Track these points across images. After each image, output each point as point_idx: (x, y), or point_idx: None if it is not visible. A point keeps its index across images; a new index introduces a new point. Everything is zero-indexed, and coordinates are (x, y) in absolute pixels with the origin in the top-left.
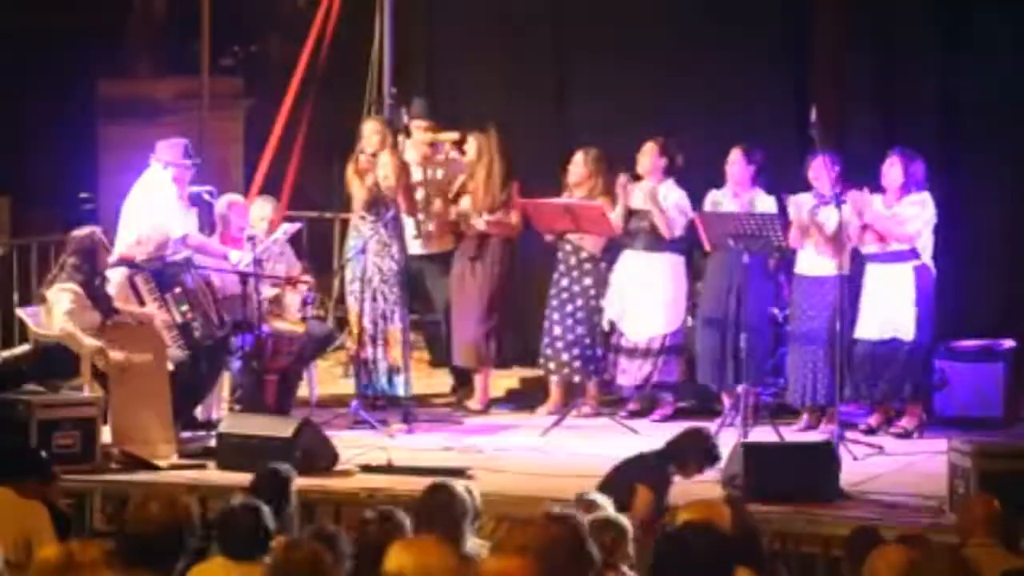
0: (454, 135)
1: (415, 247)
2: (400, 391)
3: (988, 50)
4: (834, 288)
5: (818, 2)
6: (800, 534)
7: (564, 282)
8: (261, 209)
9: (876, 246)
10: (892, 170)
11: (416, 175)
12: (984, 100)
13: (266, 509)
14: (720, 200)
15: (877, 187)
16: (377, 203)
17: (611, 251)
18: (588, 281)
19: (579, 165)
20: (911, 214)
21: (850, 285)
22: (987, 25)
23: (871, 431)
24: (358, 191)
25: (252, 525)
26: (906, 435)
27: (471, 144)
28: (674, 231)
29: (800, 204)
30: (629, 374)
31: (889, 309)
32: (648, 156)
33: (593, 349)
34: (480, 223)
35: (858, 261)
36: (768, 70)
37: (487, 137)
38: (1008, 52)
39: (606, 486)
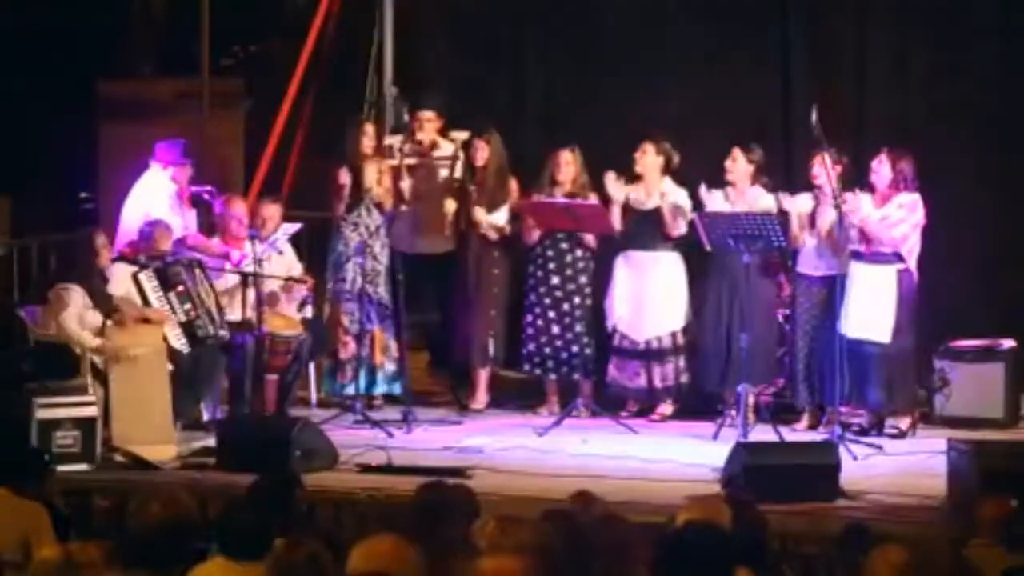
0: (464, 134)
1: (415, 246)
2: (382, 389)
3: (988, 50)
4: (834, 288)
5: (821, 2)
6: (800, 534)
7: (555, 280)
8: (266, 209)
9: (861, 245)
10: (881, 168)
11: (418, 174)
12: (984, 100)
13: (267, 509)
14: (720, 199)
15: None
16: (360, 205)
17: (604, 248)
18: (583, 279)
19: (570, 164)
20: (899, 217)
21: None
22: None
23: (863, 431)
24: (342, 194)
25: (253, 525)
26: (900, 435)
27: (478, 145)
28: (680, 229)
29: (799, 204)
30: (633, 376)
31: (868, 310)
32: (645, 155)
33: (591, 348)
34: (493, 224)
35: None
36: (769, 69)
37: (491, 138)
38: (1008, 53)
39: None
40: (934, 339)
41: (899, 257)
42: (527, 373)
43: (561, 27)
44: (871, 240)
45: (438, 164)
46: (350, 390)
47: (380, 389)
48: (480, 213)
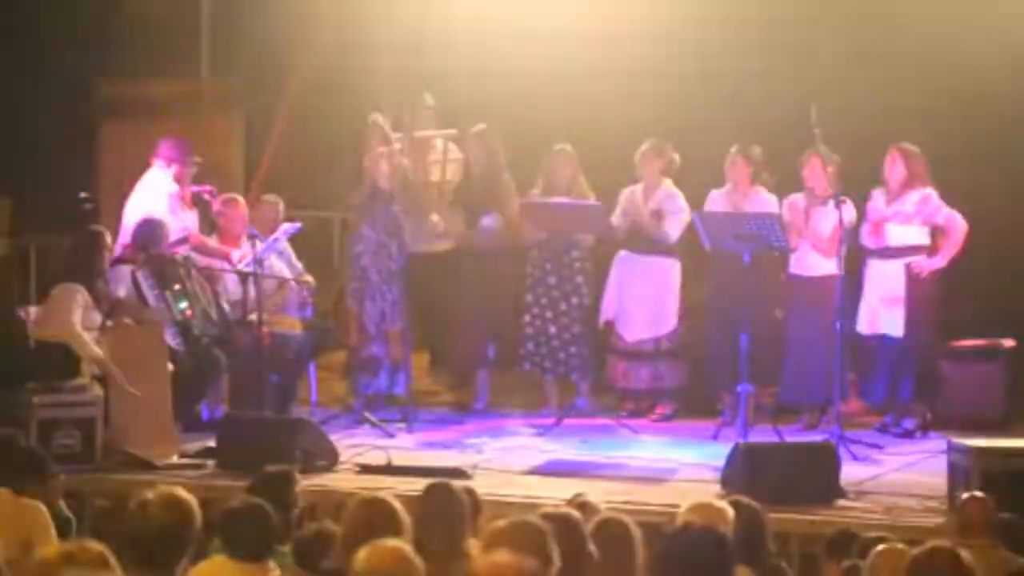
0: (453, 131)
1: (415, 245)
2: (400, 390)
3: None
4: (831, 287)
5: (821, 2)
6: (800, 534)
7: (552, 280)
8: (267, 209)
9: (873, 241)
10: (894, 167)
11: (433, 175)
12: (982, 97)
13: (270, 510)
14: (720, 200)
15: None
16: (375, 202)
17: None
18: (580, 279)
19: (565, 164)
20: (913, 211)
21: (849, 281)
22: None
23: (885, 428)
24: (356, 192)
25: (257, 525)
26: (908, 435)
27: (471, 144)
28: (671, 236)
29: (793, 205)
30: (626, 376)
31: (883, 305)
32: (644, 158)
33: (589, 347)
34: (486, 224)
35: (860, 256)
36: (769, 69)
37: (486, 136)
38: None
39: None
40: (935, 337)
41: (913, 251)
42: (526, 371)
43: (562, 26)
44: (882, 234)
45: (435, 163)
46: (371, 389)
47: (399, 388)
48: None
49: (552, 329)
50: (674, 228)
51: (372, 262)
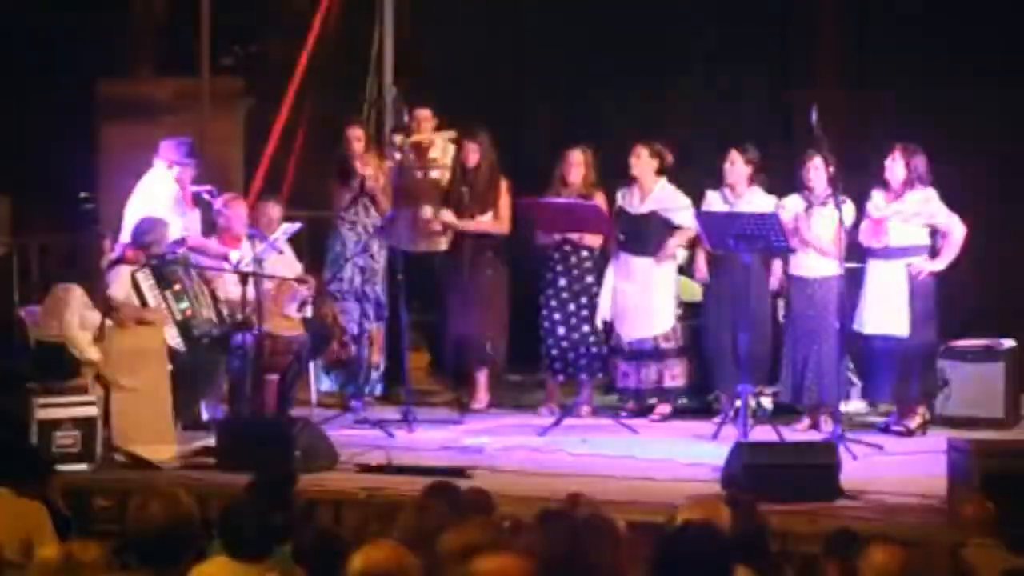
0: (451, 133)
1: (416, 245)
2: (379, 390)
3: (984, 51)
4: (831, 288)
5: (820, 2)
6: (800, 534)
7: (562, 282)
8: (267, 209)
9: (874, 241)
10: (895, 165)
11: (416, 173)
12: (984, 98)
13: (266, 508)
14: (718, 201)
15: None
16: (357, 205)
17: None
18: (589, 279)
19: (580, 165)
20: (914, 211)
21: (851, 282)
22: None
23: (886, 428)
24: (339, 193)
25: (257, 525)
26: (908, 434)
27: (468, 147)
28: (691, 229)
29: (788, 206)
30: (627, 376)
31: (886, 305)
32: (639, 158)
33: (597, 347)
34: (448, 222)
35: (860, 256)
36: (768, 69)
37: (481, 139)
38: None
39: None
40: (937, 337)
41: (914, 251)
42: (526, 371)
43: (561, 26)
44: (882, 234)
45: (435, 164)
46: (349, 389)
47: (374, 389)
48: (446, 214)
49: (561, 331)
50: (687, 220)
51: (354, 263)
